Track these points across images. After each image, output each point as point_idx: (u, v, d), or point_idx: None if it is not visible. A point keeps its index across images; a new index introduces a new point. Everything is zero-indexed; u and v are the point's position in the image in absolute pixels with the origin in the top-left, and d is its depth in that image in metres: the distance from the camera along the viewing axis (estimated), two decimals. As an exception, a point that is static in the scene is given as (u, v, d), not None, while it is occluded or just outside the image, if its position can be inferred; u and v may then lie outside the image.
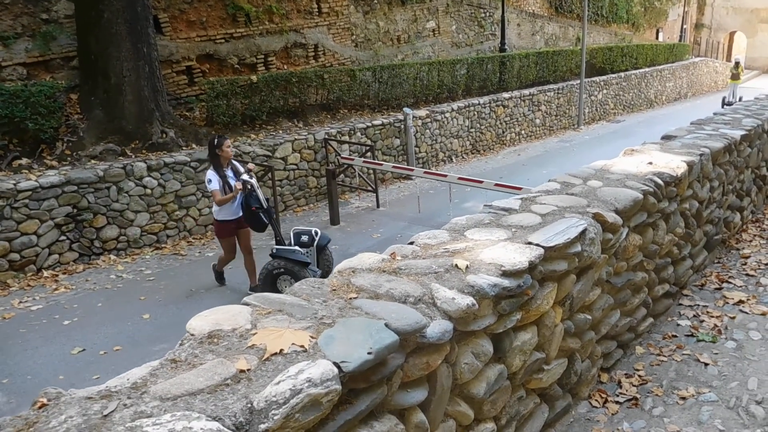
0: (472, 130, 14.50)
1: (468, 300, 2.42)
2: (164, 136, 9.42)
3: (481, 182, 8.08)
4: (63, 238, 7.83)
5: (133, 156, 8.98)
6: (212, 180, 6.36)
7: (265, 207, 6.47)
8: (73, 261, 7.93)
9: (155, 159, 8.78)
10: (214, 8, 11.41)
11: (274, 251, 6.43)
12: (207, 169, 6.67)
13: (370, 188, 10.92)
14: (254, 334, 1.99)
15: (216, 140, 6.38)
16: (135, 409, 1.60)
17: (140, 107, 9.34)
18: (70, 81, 9.51)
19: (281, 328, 2.03)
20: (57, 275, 7.59)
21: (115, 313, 6.58)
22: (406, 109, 12.49)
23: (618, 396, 3.65)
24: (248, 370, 1.79)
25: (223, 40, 11.54)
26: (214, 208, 6.57)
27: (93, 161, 8.61)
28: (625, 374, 3.88)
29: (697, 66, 27.40)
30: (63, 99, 9.17)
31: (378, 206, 10.55)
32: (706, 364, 3.91)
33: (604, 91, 20.02)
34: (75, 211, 7.91)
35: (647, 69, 22.87)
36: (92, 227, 8.07)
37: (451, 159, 13.95)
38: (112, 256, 8.20)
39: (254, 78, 10.84)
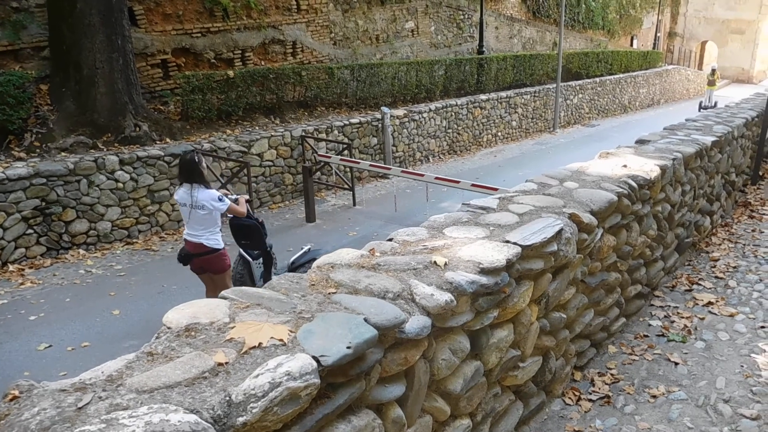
0: (450, 130, 14.57)
1: (446, 296, 2.43)
2: (137, 129, 9.26)
3: (457, 182, 8.11)
4: (30, 231, 7.64)
5: (105, 149, 8.81)
6: (222, 197, 5.26)
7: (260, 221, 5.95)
8: (41, 255, 7.75)
9: (128, 152, 8.63)
10: (190, 2, 11.25)
11: (291, 263, 6.02)
12: (198, 191, 5.19)
13: (346, 186, 10.89)
14: (232, 327, 1.96)
15: (197, 157, 5.22)
16: (110, 401, 1.56)
17: (113, 100, 9.17)
18: (41, 71, 9.29)
19: (260, 321, 2.01)
20: (23, 269, 7.41)
21: (84, 309, 6.44)
22: (384, 109, 12.49)
23: (591, 394, 3.69)
24: (226, 363, 1.77)
25: (199, 34, 11.39)
26: (215, 238, 5.38)
27: (63, 154, 8.42)
28: (598, 373, 3.93)
29: (670, 73, 27.92)
30: (32, 89, 8.95)
31: (354, 204, 10.52)
32: (676, 364, 3.98)
33: (580, 96, 20.28)
34: (43, 204, 7.72)
35: (622, 75, 23.23)
36: (61, 221, 7.90)
37: (428, 159, 13.99)
38: (82, 251, 8.04)
39: (231, 73, 10.73)
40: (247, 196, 5.89)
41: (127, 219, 8.51)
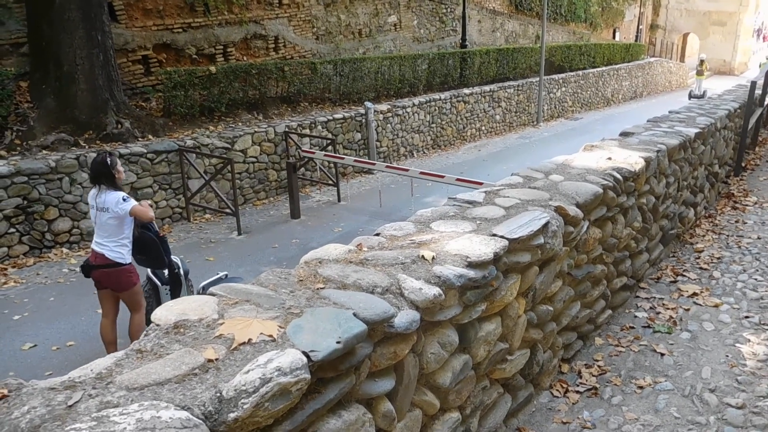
0: (433, 125, 14.58)
1: (435, 290, 2.43)
2: (119, 126, 9.16)
3: (442, 177, 8.11)
4: (12, 230, 7.54)
5: (87, 146, 8.71)
6: (127, 198, 4.82)
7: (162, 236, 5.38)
8: (23, 254, 7.65)
9: (110, 150, 8.53)
10: (171, -4, 11.15)
11: (201, 289, 5.42)
12: (105, 193, 4.80)
13: (331, 182, 10.87)
14: (221, 323, 1.95)
15: (109, 159, 4.82)
16: (101, 399, 1.55)
17: (94, 96, 9.06)
18: (20, 68, 9.15)
19: (249, 317, 2.00)
20: (6, 269, 7.31)
21: (68, 308, 6.38)
22: (368, 104, 12.47)
23: (578, 386, 3.72)
24: (216, 359, 1.76)
25: (180, 30, 11.28)
26: (119, 250, 4.90)
27: (44, 151, 8.31)
28: (585, 364, 3.96)
29: (652, 66, 28.13)
30: (12, 86, 8.81)
31: (339, 200, 10.51)
32: (662, 355, 4.03)
33: (563, 89, 20.38)
34: (25, 202, 7.62)
35: (604, 68, 23.37)
36: (43, 219, 7.80)
37: (413, 154, 14.00)
38: (65, 250, 7.95)
39: (213, 69, 10.64)
40: (149, 202, 5.38)
41: (110, 217, 8.41)
